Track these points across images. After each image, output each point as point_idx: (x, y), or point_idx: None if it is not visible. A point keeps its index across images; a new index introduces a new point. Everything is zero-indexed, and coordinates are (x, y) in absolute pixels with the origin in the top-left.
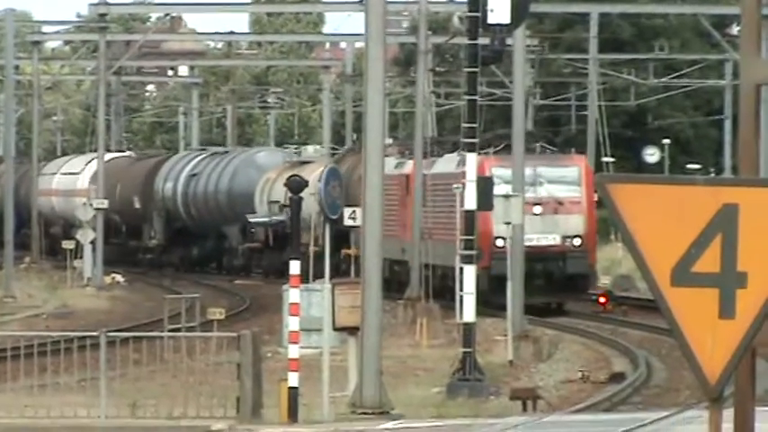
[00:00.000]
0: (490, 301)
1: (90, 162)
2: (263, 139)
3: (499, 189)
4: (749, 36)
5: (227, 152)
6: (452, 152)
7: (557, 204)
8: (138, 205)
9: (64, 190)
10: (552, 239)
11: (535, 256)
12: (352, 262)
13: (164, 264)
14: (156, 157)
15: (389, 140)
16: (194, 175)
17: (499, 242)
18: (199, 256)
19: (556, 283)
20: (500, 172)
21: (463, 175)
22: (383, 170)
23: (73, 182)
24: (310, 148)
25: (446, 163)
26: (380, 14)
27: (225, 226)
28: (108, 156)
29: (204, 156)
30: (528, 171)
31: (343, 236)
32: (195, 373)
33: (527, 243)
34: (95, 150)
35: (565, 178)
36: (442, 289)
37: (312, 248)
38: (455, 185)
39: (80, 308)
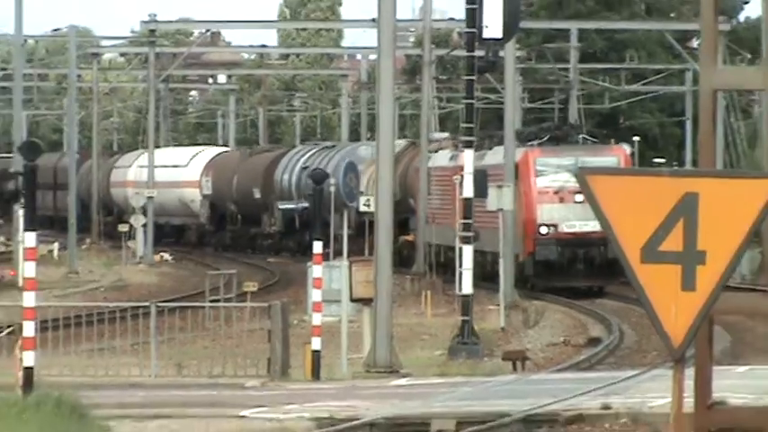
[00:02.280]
0: (536, 284)
1: (196, 156)
2: (291, 138)
3: (543, 179)
4: (707, 48)
5: (333, 146)
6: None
7: None
8: (258, 195)
9: (163, 181)
10: (593, 226)
11: (577, 242)
12: (411, 247)
13: (282, 249)
14: (272, 152)
15: (445, 134)
16: (306, 167)
17: (543, 230)
18: (311, 241)
19: (597, 268)
20: (544, 161)
21: (495, 167)
22: (392, 163)
23: (177, 174)
24: (399, 142)
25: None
26: (390, 31)
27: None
28: (216, 150)
29: (315, 150)
30: (570, 161)
31: (403, 223)
32: (232, 337)
33: (569, 230)
34: (145, 147)
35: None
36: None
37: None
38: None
39: (133, 282)
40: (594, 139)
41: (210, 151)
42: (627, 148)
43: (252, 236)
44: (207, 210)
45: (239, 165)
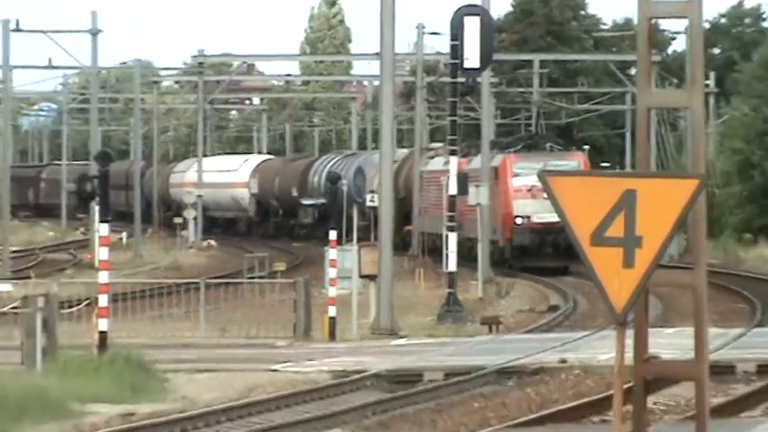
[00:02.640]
0: (513, 265)
1: (245, 163)
2: (311, 148)
3: (519, 179)
4: (643, 75)
5: (354, 154)
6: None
7: None
8: (295, 194)
9: (218, 182)
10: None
11: (546, 230)
12: (411, 235)
13: (313, 236)
14: (306, 159)
15: (440, 144)
16: (360, 170)
17: (518, 221)
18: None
19: (562, 251)
20: (519, 165)
21: (476, 170)
22: (392, 167)
23: (230, 177)
24: (402, 151)
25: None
26: (390, 63)
27: (349, 208)
28: (261, 158)
29: (339, 157)
30: (540, 164)
31: (407, 216)
32: (264, 307)
33: (540, 220)
34: (196, 155)
35: (568, 169)
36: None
37: (360, 222)
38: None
39: (186, 263)
40: (560, 147)
41: (256, 158)
42: (584, 155)
43: (290, 226)
44: (254, 205)
45: (280, 169)
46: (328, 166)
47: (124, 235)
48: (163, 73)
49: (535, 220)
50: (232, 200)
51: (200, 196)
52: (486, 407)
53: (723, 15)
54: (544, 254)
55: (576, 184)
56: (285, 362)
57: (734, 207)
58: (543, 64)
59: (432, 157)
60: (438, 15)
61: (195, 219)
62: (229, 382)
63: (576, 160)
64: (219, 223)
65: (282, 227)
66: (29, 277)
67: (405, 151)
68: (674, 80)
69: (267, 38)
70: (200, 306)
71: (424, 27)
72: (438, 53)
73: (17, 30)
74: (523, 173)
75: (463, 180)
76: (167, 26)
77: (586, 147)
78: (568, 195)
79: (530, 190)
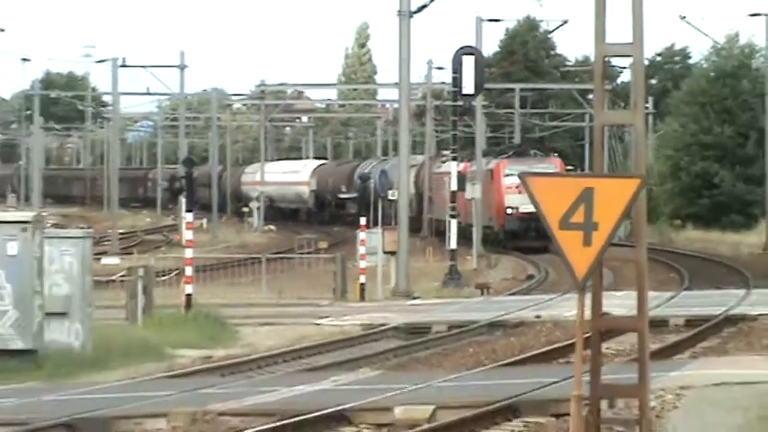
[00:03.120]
0: (506, 245)
1: (306, 166)
2: (347, 156)
3: (509, 179)
4: (598, 100)
5: (385, 160)
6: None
7: None
8: (343, 190)
9: (279, 181)
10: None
11: (530, 218)
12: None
13: (355, 222)
14: (351, 163)
15: (449, 152)
16: (367, 172)
17: (509, 211)
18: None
19: (543, 234)
20: (510, 167)
21: (473, 172)
22: (408, 171)
23: (292, 177)
24: (419, 157)
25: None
26: (406, 90)
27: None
28: (318, 162)
29: (376, 162)
30: (526, 167)
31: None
32: (311, 276)
33: (525, 210)
34: (259, 161)
35: (547, 171)
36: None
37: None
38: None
39: (251, 242)
40: (542, 153)
41: (314, 163)
42: (560, 160)
43: (340, 215)
44: (313, 199)
45: (332, 171)
46: (366, 169)
47: (204, 221)
48: (234, 98)
49: (522, 210)
50: (295, 194)
51: (262, 192)
52: (480, 351)
53: (659, 54)
54: (529, 236)
55: (547, 183)
56: (326, 317)
57: (667, 200)
58: (522, 91)
59: (444, 162)
60: (444, 52)
61: (258, 208)
62: (284, 333)
63: (554, 163)
64: (285, 212)
65: (334, 215)
66: (132, 253)
67: (422, 157)
68: (621, 104)
69: (313, 70)
70: (262, 275)
71: (432, 63)
72: (443, 83)
73: (123, 65)
74: (513, 173)
75: (461, 179)
76: (237, 59)
77: (555, 154)
78: (541, 192)
79: (517, 187)
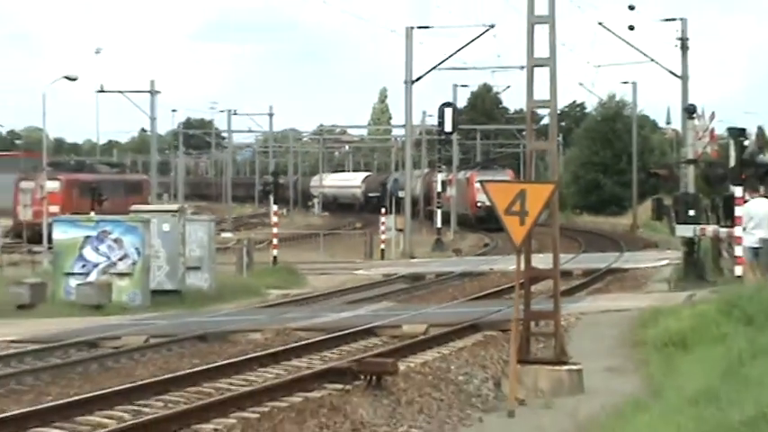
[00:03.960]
0: (476, 227)
1: (358, 176)
2: (374, 172)
3: (478, 183)
4: (529, 135)
5: (398, 172)
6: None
7: None
8: (380, 192)
9: (340, 185)
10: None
11: (491, 209)
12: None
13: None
14: (382, 174)
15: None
16: (396, 179)
17: (478, 204)
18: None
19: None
20: (479, 176)
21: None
22: (411, 180)
23: (350, 183)
24: (425, 170)
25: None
26: (410, 129)
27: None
28: (364, 174)
29: (399, 174)
30: (490, 176)
31: (426, 201)
32: (351, 244)
33: (487, 203)
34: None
35: (503, 178)
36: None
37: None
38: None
39: (314, 223)
40: (501, 167)
41: (363, 174)
42: (512, 171)
43: (374, 207)
44: (362, 197)
45: (374, 179)
46: (392, 177)
47: (285, 210)
48: (303, 134)
49: (486, 204)
50: (351, 195)
51: (321, 193)
52: (455, 290)
53: (566, 106)
54: (491, 221)
55: (497, 187)
56: (360, 270)
57: (570, 197)
58: (482, 130)
59: (440, 172)
60: (433, 104)
61: (318, 203)
62: (334, 279)
63: (508, 174)
64: (344, 206)
65: (375, 208)
66: (240, 230)
67: (425, 171)
68: (543, 137)
69: (352, 115)
70: (320, 244)
71: (425, 112)
72: (432, 125)
73: (235, 113)
74: (480, 180)
75: (444, 184)
76: (304, 107)
77: (507, 168)
78: (493, 192)
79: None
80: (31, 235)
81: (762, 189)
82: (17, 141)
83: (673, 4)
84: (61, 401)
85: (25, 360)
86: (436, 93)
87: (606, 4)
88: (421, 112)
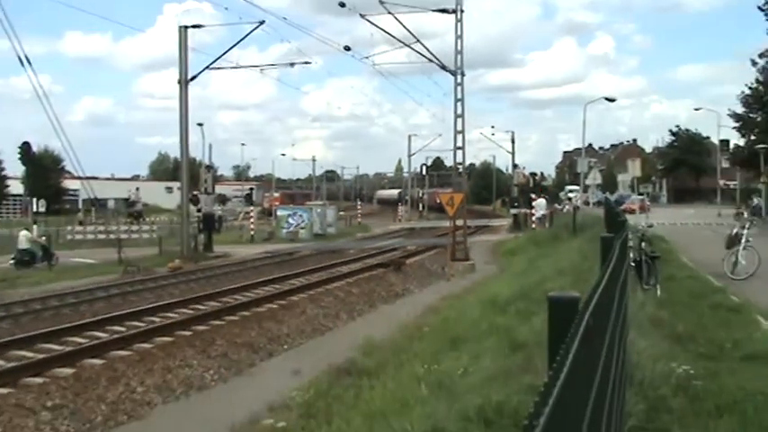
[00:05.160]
0: (436, 212)
1: (396, 191)
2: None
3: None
4: (455, 176)
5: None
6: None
7: None
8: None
9: (392, 194)
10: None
11: (440, 204)
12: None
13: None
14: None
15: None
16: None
17: (438, 200)
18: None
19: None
20: (439, 191)
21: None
22: (417, 192)
23: (392, 193)
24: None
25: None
26: (409, 175)
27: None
28: (398, 190)
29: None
30: (441, 191)
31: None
32: (390, 217)
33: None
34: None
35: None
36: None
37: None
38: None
39: (374, 210)
40: (446, 185)
41: (398, 190)
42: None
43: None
44: (397, 198)
45: (398, 192)
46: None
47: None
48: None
49: (439, 201)
50: (399, 196)
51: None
52: (432, 233)
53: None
54: (440, 208)
55: (444, 194)
56: (390, 226)
57: (470, 197)
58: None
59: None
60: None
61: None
62: (385, 228)
63: (449, 190)
64: (389, 203)
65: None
66: (346, 210)
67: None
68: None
69: (389, 165)
70: (375, 217)
71: (422, 166)
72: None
73: (313, 160)
74: (442, 192)
75: (430, 195)
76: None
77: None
78: (442, 196)
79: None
80: (268, 213)
81: (541, 195)
82: (250, 174)
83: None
84: (275, 274)
85: (266, 259)
86: (425, 157)
87: None
88: (422, 165)
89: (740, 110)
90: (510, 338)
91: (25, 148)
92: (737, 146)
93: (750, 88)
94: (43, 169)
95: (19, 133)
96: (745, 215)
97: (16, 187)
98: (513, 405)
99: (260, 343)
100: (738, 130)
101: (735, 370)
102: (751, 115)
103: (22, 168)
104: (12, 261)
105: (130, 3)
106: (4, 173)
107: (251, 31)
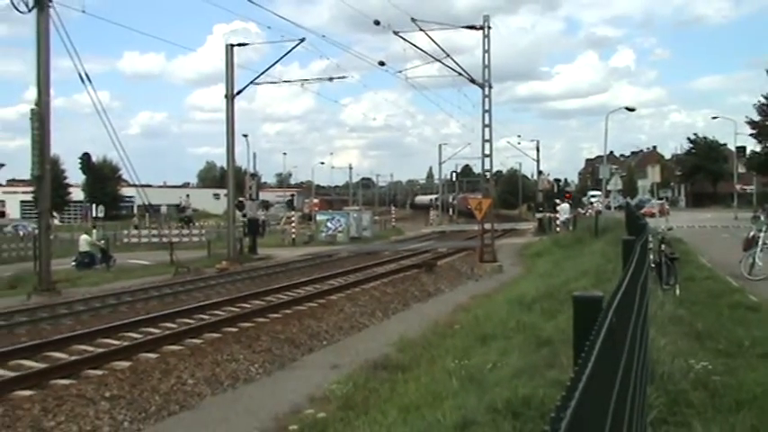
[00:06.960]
0: (466, 217)
1: (432, 196)
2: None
3: (471, 198)
4: (483, 183)
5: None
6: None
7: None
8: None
9: (427, 200)
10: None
11: (470, 209)
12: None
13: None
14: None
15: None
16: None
17: (468, 206)
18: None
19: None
20: (470, 197)
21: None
22: (448, 198)
23: (428, 200)
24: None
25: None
26: (440, 182)
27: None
28: (434, 195)
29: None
30: (472, 195)
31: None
32: (422, 221)
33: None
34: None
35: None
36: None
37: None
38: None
39: (407, 214)
40: (476, 191)
41: (433, 195)
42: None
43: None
44: (428, 203)
45: (431, 198)
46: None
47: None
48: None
49: (469, 206)
50: (430, 202)
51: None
52: (457, 236)
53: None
54: (470, 214)
55: (473, 199)
56: (423, 229)
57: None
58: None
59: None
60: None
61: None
62: (418, 232)
63: (479, 195)
64: (424, 207)
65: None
66: (382, 215)
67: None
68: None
69: (420, 172)
70: (408, 221)
71: (452, 173)
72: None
73: (350, 168)
74: (471, 197)
75: (461, 200)
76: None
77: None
78: (471, 201)
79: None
80: (308, 217)
81: (564, 200)
82: (292, 181)
83: None
84: (315, 275)
85: (307, 260)
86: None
87: None
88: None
89: (757, 118)
90: (536, 335)
91: (85, 158)
92: (754, 152)
93: (765, 97)
94: (102, 178)
95: (80, 144)
96: (762, 218)
97: (77, 194)
98: (540, 398)
99: (301, 339)
100: (755, 136)
101: (753, 366)
102: (767, 123)
103: (83, 177)
104: (73, 263)
105: (183, 24)
106: (66, 181)
107: (292, 48)
